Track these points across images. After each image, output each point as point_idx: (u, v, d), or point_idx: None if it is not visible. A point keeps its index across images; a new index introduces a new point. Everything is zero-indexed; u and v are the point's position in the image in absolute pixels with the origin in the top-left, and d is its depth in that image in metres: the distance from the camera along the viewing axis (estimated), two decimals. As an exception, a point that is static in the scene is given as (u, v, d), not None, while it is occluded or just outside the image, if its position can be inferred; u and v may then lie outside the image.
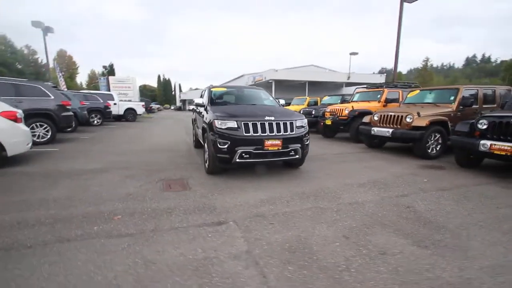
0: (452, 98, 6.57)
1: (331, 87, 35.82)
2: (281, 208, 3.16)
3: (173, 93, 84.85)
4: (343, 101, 12.04)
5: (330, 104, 11.59)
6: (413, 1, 12.70)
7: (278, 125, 4.16)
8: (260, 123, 4.07)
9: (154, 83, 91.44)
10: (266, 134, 4.06)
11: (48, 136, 7.35)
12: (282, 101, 5.87)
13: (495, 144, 4.39)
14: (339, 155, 6.67)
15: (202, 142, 5.21)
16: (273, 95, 7.45)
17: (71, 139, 8.67)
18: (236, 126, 4.04)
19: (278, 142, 4.07)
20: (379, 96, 9.33)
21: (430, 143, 6.13)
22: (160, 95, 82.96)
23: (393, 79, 14.02)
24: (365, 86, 10.81)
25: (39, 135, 7.19)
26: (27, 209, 3.00)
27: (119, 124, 15.56)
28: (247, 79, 37.26)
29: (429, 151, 6.14)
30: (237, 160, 4.03)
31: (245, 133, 4.01)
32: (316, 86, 33.45)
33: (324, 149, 7.58)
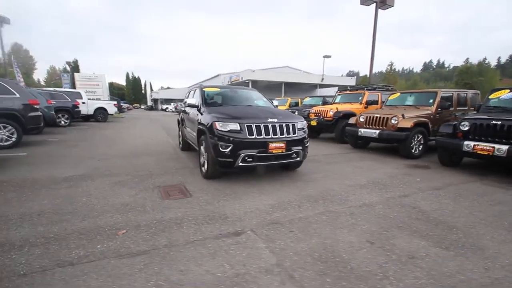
0: (431, 101, 6.99)
1: (305, 88, 36.66)
2: (294, 213, 3.07)
3: (143, 91, 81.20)
4: (324, 102, 12.34)
5: (312, 105, 11.78)
6: (387, 8, 13.40)
7: (281, 127, 4.06)
8: (264, 125, 3.94)
9: (121, 81, 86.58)
10: (270, 136, 3.94)
11: (14, 139, 6.51)
12: (276, 102, 5.80)
13: (478, 145, 4.71)
14: (329, 156, 6.77)
15: (196, 145, 4.95)
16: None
17: (39, 142, 7.80)
18: (238, 128, 3.86)
19: (282, 145, 3.98)
20: (360, 98, 9.67)
21: (413, 143, 6.45)
22: (129, 93, 78.76)
23: (369, 81, 14.69)
24: (347, 88, 11.16)
25: (2, 138, 6.35)
26: (8, 227, 2.57)
27: (89, 125, 14.42)
28: (223, 79, 36.81)
29: (413, 151, 6.46)
30: (240, 164, 3.86)
31: (249, 135, 3.85)
32: (292, 87, 34.02)
33: (313, 150, 7.62)
